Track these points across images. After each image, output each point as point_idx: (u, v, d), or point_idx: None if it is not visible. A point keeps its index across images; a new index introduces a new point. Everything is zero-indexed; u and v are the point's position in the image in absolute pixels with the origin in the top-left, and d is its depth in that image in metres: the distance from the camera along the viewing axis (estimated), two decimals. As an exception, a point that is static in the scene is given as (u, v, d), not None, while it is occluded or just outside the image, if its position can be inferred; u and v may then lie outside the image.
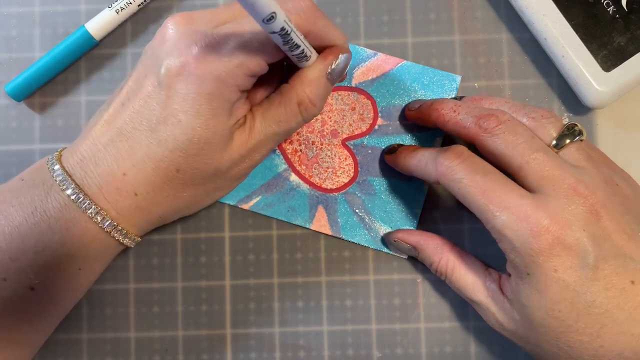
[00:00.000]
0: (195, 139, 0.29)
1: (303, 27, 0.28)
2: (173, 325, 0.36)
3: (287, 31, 0.26)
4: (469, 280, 0.32)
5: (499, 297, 0.30)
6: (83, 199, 0.29)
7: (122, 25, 0.37)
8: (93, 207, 0.29)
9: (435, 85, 0.36)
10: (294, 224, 0.37)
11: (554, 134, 0.31)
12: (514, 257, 0.28)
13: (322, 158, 0.37)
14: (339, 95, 0.37)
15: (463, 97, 0.35)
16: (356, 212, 0.36)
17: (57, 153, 0.31)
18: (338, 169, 0.37)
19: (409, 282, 0.36)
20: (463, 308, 0.36)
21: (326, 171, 0.37)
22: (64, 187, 0.29)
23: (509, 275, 0.30)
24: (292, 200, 0.37)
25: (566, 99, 0.37)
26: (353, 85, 0.37)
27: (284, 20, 0.26)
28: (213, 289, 0.36)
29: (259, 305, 0.36)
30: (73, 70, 0.37)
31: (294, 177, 0.37)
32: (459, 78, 0.36)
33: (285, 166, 0.37)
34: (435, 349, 0.36)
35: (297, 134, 0.37)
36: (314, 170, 0.37)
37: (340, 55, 0.31)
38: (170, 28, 0.29)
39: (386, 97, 0.37)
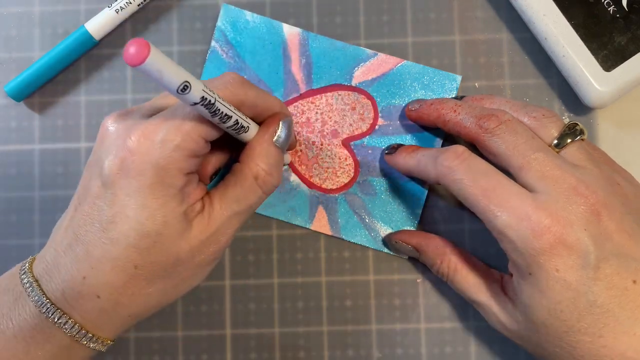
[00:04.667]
0: (145, 232, 0.28)
1: (234, 100, 0.28)
2: (173, 325, 0.36)
3: (210, 101, 0.26)
4: (471, 281, 0.32)
5: (501, 298, 0.30)
6: (45, 304, 0.28)
7: (122, 25, 0.37)
8: (57, 312, 0.28)
9: (435, 85, 0.36)
10: (294, 224, 0.36)
11: (555, 134, 0.31)
12: (515, 257, 0.28)
13: (322, 158, 0.37)
14: (339, 95, 0.37)
15: (463, 96, 0.35)
16: (356, 213, 0.36)
17: (30, 259, 0.30)
18: (338, 169, 0.37)
19: (409, 282, 0.36)
20: (463, 308, 0.36)
21: (326, 171, 0.37)
22: (29, 293, 0.28)
23: (511, 275, 0.30)
24: (292, 200, 0.36)
25: (566, 98, 0.37)
26: (353, 85, 0.37)
27: (203, 90, 0.25)
28: (213, 289, 0.36)
29: (259, 305, 0.36)
30: (73, 70, 0.37)
31: (294, 177, 0.37)
32: (459, 78, 0.36)
33: (285, 166, 0.37)
34: (435, 349, 0.36)
35: (298, 134, 0.37)
36: (314, 170, 0.37)
37: (280, 122, 0.30)
38: (108, 127, 0.29)
39: (386, 97, 0.37)
